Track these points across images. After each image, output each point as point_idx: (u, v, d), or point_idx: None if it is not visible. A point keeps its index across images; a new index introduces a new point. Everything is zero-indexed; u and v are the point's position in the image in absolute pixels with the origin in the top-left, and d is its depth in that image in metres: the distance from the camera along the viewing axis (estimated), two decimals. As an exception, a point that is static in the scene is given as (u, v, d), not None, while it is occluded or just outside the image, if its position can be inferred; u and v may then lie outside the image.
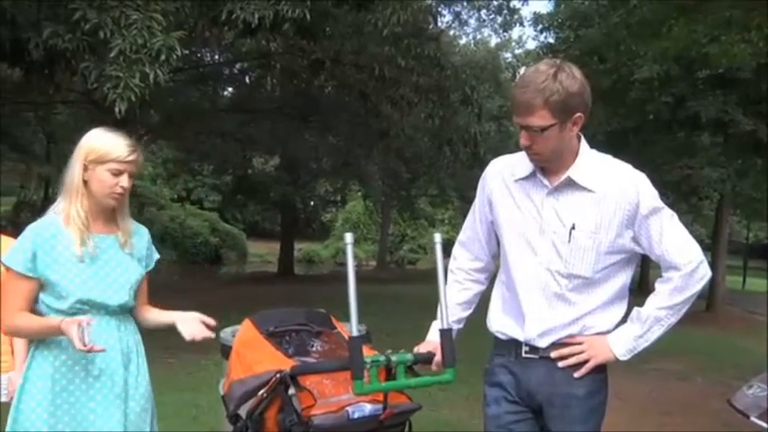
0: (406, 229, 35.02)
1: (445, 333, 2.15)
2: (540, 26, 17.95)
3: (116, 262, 2.28)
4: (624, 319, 2.16)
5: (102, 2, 6.90)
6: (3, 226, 3.26)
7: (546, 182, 2.10)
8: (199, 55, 14.24)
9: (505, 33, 29.23)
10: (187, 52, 9.02)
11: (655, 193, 2.09)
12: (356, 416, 2.05)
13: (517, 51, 31.93)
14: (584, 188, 2.06)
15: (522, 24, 24.95)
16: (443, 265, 2.19)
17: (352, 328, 1.99)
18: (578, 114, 2.01)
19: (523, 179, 2.14)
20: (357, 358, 1.98)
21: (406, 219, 32.42)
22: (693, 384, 7.42)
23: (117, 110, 6.61)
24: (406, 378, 2.11)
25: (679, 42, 10.07)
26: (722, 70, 12.73)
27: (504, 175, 2.20)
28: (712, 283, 16.44)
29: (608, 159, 2.15)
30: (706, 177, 14.83)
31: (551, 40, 17.97)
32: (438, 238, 2.27)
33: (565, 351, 2.10)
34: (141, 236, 2.40)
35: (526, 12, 35.32)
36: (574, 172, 2.07)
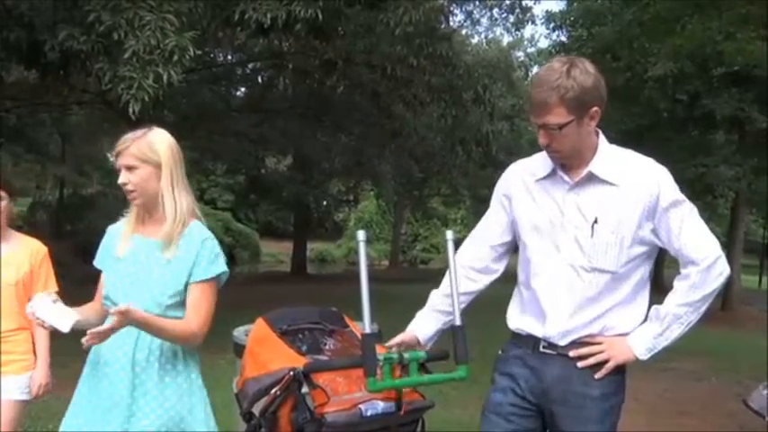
0: (418, 229, 35.02)
1: (458, 330, 2.15)
2: (552, 24, 17.89)
3: (148, 267, 2.19)
4: (645, 319, 2.14)
5: (115, 3, 6.96)
6: (19, 226, 3.33)
7: (567, 178, 2.10)
8: (212, 55, 14.28)
9: (518, 32, 29.16)
10: (200, 53, 9.04)
11: (674, 185, 2.08)
12: (369, 413, 2.05)
13: (530, 50, 31.83)
14: (605, 182, 2.06)
15: (534, 23, 24.99)
16: (455, 263, 2.19)
17: (365, 325, 2.00)
18: (595, 108, 2.02)
19: (544, 178, 2.15)
20: (370, 355, 1.98)
21: (418, 218, 32.44)
22: (709, 384, 7.37)
23: (131, 110, 6.66)
24: (418, 375, 2.11)
25: (693, 39, 10.00)
26: (737, 67, 12.63)
27: (523, 176, 2.20)
28: (728, 282, 16.17)
29: (628, 153, 2.14)
30: (721, 175, 14.71)
31: (564, 39, 17.91)
32: (450, 235, 2.27)
33: (584, 351, 2.08)
34: (192, 244, 2.19)
35: (538, 10, 35.32)
36: (594, 166, 2.07)
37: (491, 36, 30.82)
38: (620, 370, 2.11)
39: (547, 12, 17.96)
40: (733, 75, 13.55)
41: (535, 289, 2.15)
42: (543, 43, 31.26)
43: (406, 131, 14.41)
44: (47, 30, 7.60)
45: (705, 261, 2.06)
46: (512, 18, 25.19)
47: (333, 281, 19.93)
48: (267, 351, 2.27)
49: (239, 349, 2.79)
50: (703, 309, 2.09)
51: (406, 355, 2.09)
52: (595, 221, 2.05)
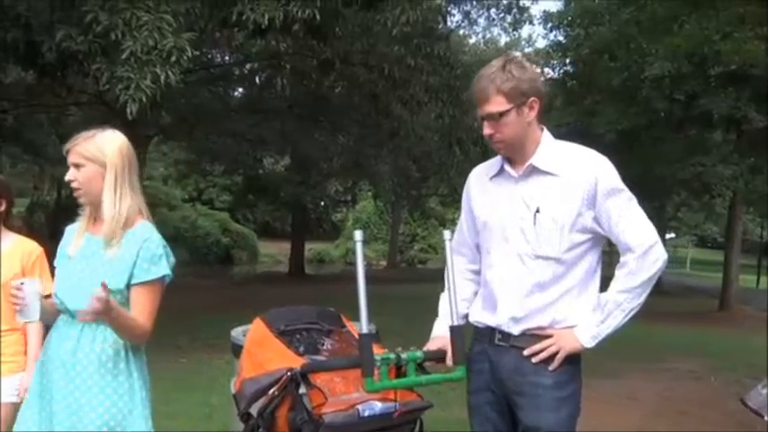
0: (416, 229, 35.02)
1: (456, 330, 2.16)
2: (549, 24, 17.90)
3: (92, 264, 2.21)
4: None
5: (113, 4, 6.95)
6: (18, 227, 3.35)
7: (513, 172, 2.22)
8: (209, 56, 14.27)
9: (515, 32, 29.25)
10: (198, 53, 9.04)
11: (615, 174, 2.17)
12: (367, 414, 2.04)
13: (527, 50, 31.88)
14: (547, 173, 2.17)
15: (531, 23, 25.00)
16: (453, 263, 2.22)
17: (363, 325, 1.99)
18: (533, 98, 2.14)
19: (496, 175, 2.28)
20: (368, 355, 1.98)
21: (416, 218, 32.45)
22: (707, 384, 7.37)
23: (128, 111, 6.65)
24: (416, 376, 2.11)
25: (691, 39, 10.04)
26: (735, 67, 12.64)
27: (480, 177, 2.34)
28: (725, 282, 16.33)
29: (572, 146, 2.25)
30: (719, 175, 14.73)
31: (561, 39, 17.92)
32: (448, 235, 2.29)
33: (536, 347, 2.15)
34: (133, 244, 2.19)
35: (536, 10, 35.34)
36: (536, 159, 2.18)
37: (488, 36, 30.93)
38: (572, 360, 2.17)
39: (544, 12, 17.99)
40: (730, 74, 13.55)
41: (489, 281, 2.26)
42: (541, 43, 31.40)
43: (404, 131, 14.41)
44: (44, 30, 7.58)
45: (640, 248, 2.13)
46: (509, 18, 25.24)
47: (331, 281, 19.93)
48: (265, 351, 2.27)
49: (237, 349, 2.78)
50: (644, 295, 2.15)
51: (403, 356, 2.09)
52: (537, 210, 2.15)
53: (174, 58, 6.76)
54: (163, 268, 2.22)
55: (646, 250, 2.12)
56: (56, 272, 2.30)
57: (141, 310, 2.19)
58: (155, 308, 2.23)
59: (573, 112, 16.78)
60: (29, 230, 3.12)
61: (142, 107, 6.73)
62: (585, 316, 2.17)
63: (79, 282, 2.20)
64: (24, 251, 2.85)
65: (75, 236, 2.31)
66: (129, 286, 2.19)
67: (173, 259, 2.28)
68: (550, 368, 2.14)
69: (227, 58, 15.35)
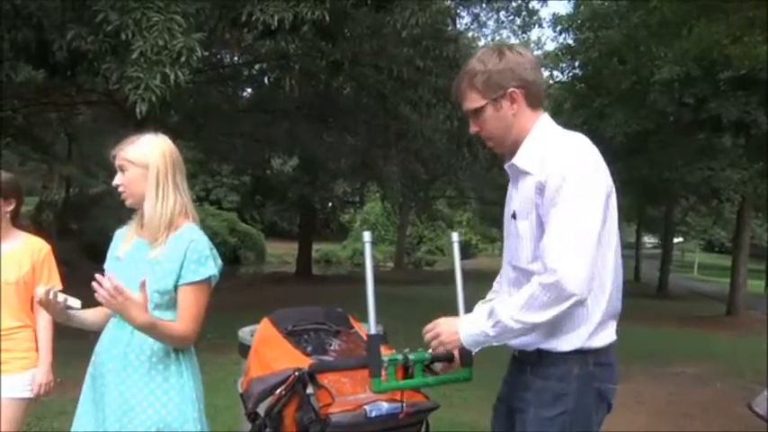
0: (423, 231, 35.04)
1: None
2: (559, 27, 17.90)
3: (139, 268, 2.23)
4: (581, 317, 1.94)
5: (123, 4, 6.99)
6: (25, 225, 3.39)
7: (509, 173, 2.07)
8: (219, 56, 14.33)
9: (524, 35, 29.20)
10: (207, 53, 9.08)
11: (579, 182, 1.82)
12: (374, 414, 2.05)
13: (536, 53, 31.82)
14: (524, 172, 1.95)
15: (540, 26, 25.00)
16: (461, 264, 2.22)
17: (371, 326, 2.00)
18: (511, 89, 1.93)
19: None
20: (375, 356, 1.99)
21: (423, 220, 32.46)
22: (713, 388, 7.35)
23: (138, 110, 6.69)
24: (423, 377, 2.12)
25: (700, 43, 10.01)
26: (744, 71, 12.62)
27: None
28: (733, 287, 16.26)
29: (559, 138, 1.95)
30: (727, 179, 14.69)
31: (570, 42, 17.91)
32: (456, 236, 2.28)
33: (427, 336, 2.00)
34: (180, 245, 2.20)
35: (545, 13, 35.34)
36: (517, 157, 1.97)
37: (498, 38, 30.83)
38: (563, 383, 1.94)
39: (554, 14, 18.02)
40: (739, 78, 13.53)
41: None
42: (550, 46, 31.34)
43: (412, 133, 14.44)
44: (55, 30, 7.64)
45: (553, 276, 1.79)
46: (518, 21, 25.26)
47: (338, 282, 19.95)
48: (272, 351, 2.28)
49: (244, 349, 2.80)
50: (539, 326, 1.87)
51: (411, 357, 2.10)
52: (513, 216, 1.98)
53: (183, 59, 6.80)
54: (210, 269, 2.22)
55: (559, 284, 1.78)
56: (107, 271, 2.28)
57: (185, 310, 2.21)
58: (201, 309, 2.24)
59: (581, 115, 16.77)
60: (37, 229, 3.15)
61: (151, 107, 6.77)
62: (569, 331, 1.91)
63: (127, 284, 2.18)
64: (34, 249, 2.89)
65: (123, 240, 2.34)
66: (176, 287, 2.21)
67: (220, 261, 2.28)
68: (430, 352, 2.02)
69: (236, 58, 15.42)
